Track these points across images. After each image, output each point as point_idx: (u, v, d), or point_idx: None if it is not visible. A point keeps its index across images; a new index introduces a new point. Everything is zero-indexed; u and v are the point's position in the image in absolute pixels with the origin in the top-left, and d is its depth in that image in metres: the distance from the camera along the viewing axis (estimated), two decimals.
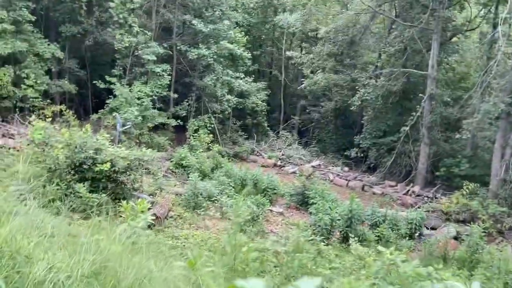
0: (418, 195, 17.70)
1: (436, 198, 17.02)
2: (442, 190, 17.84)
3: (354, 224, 10.47)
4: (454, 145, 19.63)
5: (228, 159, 18.44)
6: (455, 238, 11.98)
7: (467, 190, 14.67)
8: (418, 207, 15.25)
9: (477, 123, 14.84)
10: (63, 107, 16.50)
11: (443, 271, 4.58)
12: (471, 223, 11.92)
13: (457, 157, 18.50)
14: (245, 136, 23.24)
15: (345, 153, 22.30)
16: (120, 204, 7.19)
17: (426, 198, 17.19)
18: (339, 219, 10.48)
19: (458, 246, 10.70)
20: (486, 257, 9.38)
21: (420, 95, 19.05)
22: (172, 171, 15.49)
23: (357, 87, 20.79)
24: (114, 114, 16.58)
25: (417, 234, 12.21)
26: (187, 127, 20.29)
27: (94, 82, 19.59)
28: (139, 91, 18.29)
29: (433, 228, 13.45)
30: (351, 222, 10.38)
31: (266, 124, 24.86)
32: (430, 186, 18.69)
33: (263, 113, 24.44)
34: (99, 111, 18.68)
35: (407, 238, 11.47)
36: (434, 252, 10.21)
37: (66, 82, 20.18)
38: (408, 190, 18.11)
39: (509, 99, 14.15)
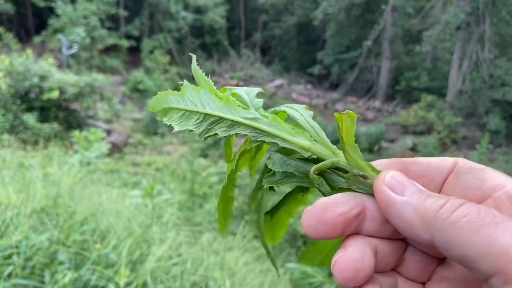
0: (378, 110, 18.12)
1: (395, 112, 17.49)
2: (402, 104, 18.31)
3: None
4: (415, 58, 19.77)
5: (188, 81, 17.79)
6: (412, 149, 12.52)
7: (424, 102, 15.09)
8: (379, 121, 15.68)
9: (438, 34, 14.78)
10: (1, 29, 15.00)
11: None
12: (428, 134, 12.43)
13: (417, 70, 18.73)
14: (205, 57, 22.30)
15: (308, 70, 22.06)
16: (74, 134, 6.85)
17: (386, 112, 17.65)
18: None
19: (414, 156, 11.21)
20: None
21: (382, 7, 18.57)
22: (128, 96, 14.83)
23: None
24: (58, 36, 15.20)
25: (376, 148, 12.65)
26: (141, 48, 19.11)
27: (34, 1, 17.64)
28: (84, 9, 16.67)
29: (391, 141, 13.97)
30: None
31: (226, 43, 23.82)
32: (390, 100, 19.09)
33: (223, 30, 23.27)
34: (41, 32, 17.08)
35: (367, 151, 11.87)
36: None
37: (1, 1, 18.06)
38: (369, 105, 18.46)
39: (469, 8, 14.00)
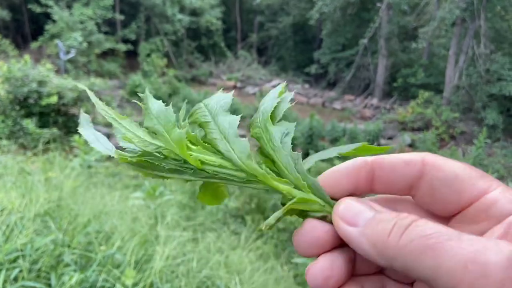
0: (376, 107, 18.16)
1: (393, 109, 17.53)
2: (399, 101, 18.35)
3: (315, 141, 10.66)
4: (411, 55, 19.81)
5: (186, 83, 17.83)
6: (410, 145, 12.56)
7: (422, 99, 15.13)
8: (377, 119, 15.72)
9: (433, 30, 14.83)
10: None
11: None
12: (426, 130, 12.47)
13: (413, 66, 18.78)
14: (202, 59, 22.33)
15: (305, 70, 22.11)
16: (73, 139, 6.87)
17: (383, 110, 17.69)
18: (300, 137, 10.62)
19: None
20: None
21: (378, 4, 18.62)
22: (127, 100, 14.84)
23: None
24: (55, 41, 15.20)
25: (375, 145, 12.65)
26: (138, 51, 19.13)
27: (30, 7, 17.64)
28: (80, 14, 16.68)
29: (390, 138, 14.01)
30: (311, 139, 10.54)
31: (223, 44, 23.86)
32: (388, 97, 19.13)
33: (219, 32, 23.30)
34: (38, 38, 17.09)
35: None
36: None
37: None
38: (367, 103, 18.51)
39: (464, 4, 14.05)
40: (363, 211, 0.32)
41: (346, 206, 0.33)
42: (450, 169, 0.32)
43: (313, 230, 0.35)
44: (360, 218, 0.32)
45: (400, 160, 0.34)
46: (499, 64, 13.76)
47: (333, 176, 0.36)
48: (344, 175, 0.36)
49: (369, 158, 0.36)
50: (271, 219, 0.37)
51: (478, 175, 0.32)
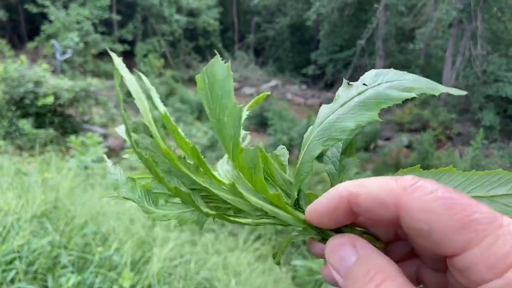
0: None
1: (390, 110, 17.57)
2: None
3: None
4: (408, 56, 19.86)
5: (183, 84, 17.81)
6: (408, 146, 12.58)
7: (419, 100, 15.16)
8: None
9: (430, 31, 14.87)
10: None
11: None
12: (423, 131, 12.48)
13: (411, 67, 18.81)
14: (199, 59, 22.32)
15: (303, 71, 22.12)
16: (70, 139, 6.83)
17: (381, 111, 17.70)
18: (297, 139, 10.61)
19: (409, 154, 11.28)
20: (435, 162, 9.97)
21: (375, 5, 18.67)
22: (124, 101, 14.78)
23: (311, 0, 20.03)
24: (52, 42, 15.15)
25: (372, 146, 12.70)
26: (135, 52, 19.10)
27: (26, 7, 17.58)
28: (77, 14, 16.64)
29: (387, 139, 14.03)
30: None
31: (220, 45, 23.86)
32: None
33: (216, 33, 23.31)
34: (35, 38, 17.04)
35: (363, 150, 11.91)
36: (387, 162, 10.72)
37: None
38: None
39: (461, 5, 14.10)
40: (345, 257, 0.33)
41: (332, 250, 0.35)
42: (424, 219, 0.28)
43: (317, 249, 0.40)
44: (342, 267, 0.33)
45: (375, 203, 0.31)
46: (495, 65, 13.80)
47: (315, 217, 0.37)
48: (325, 215, 0.36)
49: (344, 192, 0.33)
50: (279, 256, 0.43)
51: (456, 226, 0.27)
